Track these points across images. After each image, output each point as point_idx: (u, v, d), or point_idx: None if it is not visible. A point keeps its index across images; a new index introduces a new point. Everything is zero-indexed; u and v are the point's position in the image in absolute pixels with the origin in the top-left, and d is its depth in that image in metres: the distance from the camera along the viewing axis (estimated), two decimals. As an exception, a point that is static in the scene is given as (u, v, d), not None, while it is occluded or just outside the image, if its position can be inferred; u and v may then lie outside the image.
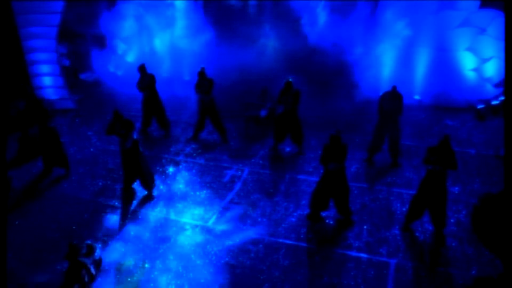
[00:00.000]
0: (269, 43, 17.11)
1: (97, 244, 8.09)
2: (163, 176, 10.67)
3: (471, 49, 13.45)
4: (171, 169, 10.98)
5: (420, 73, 13.99)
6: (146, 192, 9.97)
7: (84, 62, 16.53)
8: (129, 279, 7.76)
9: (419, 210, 8.57)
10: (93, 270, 7.65)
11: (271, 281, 7.68)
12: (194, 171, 10.90)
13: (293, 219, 9.18)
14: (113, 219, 9.29)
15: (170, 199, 9.88)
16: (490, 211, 8.07)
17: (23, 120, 11.52)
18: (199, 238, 8.71)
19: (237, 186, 10.29)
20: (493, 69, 13.40)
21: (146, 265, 8.05)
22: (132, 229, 8.98)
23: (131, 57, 16.78)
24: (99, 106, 14.27)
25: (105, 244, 8.51)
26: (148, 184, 9.87)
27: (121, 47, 16.94)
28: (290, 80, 10.84)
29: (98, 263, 7.89)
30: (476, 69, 13.55)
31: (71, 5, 13.72)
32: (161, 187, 10.27)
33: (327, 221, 9.12)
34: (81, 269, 7.46)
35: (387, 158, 10.89)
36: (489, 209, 8.09)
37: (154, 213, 9.44)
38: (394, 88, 10.29)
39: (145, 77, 11.95)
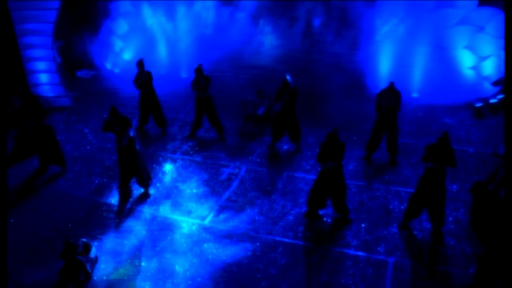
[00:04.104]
0: (267, 41, 17.07)
1: (93, 243, 8.03)
2: (160, 174, 10.61)
3: (469, 47, 13.43)
4: (167, 167, 10.92)
5: (418, 71, 13.96)
6: (142, 190, 9.91)
7: (81, 60, 16.45)
8: (125, 278, 7.71)
9: (417, 208, 8.53)
10: (89, 269, 7.60)
11: (268, 279, 7.63)
12: (191, 169, 10.84)
13: (291, 217, 9.14)
14: (109, 217, 9.23)
15: (167, 197, 9.82)
16: (485, 202, 8.13)
17: (19, 117, 11.43)
18: (195, 236, 8.66)
19: (234, 184, 10.24)
20: (491, 67, 13.38)
21: (143, 264, 8.00)
22: (128, 227, 8.92)
23: (128, 55, 16.72)
24: (95, 104, 14.19)
25: (101, 242, 8.45)
26: (145, 182, 9.81)
27: (118, 44, 16.88)
28: (287, 77, 10.78)
29: (94, 262, 7.84)
30: (474, 68, 13.54)
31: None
32: (158, 185, 10.21)
33: (324, 219, 9.08)
34: (77, 267, 7.41)
35: (385, 156, 10.86)
36: (482, 197, 8.16)
37: (151, 211, 9.38)
38: (391, 85, 10.24)
39: (142, 74, 11.88)
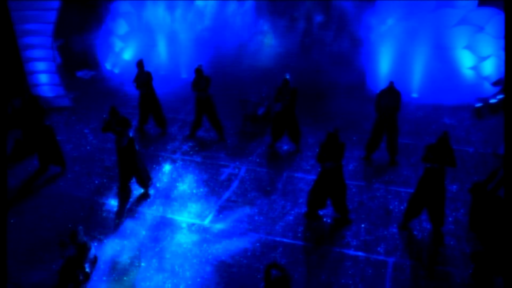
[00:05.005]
0: (266, 40, 17.05)
1: (92, 243, 8.04)
2: (160, 174, 10.61)
3: (469, 47, 13.41)
4: (167, 167, 10.91)
5: (418, 71, 13.95)
6: (142, 190, 9.91)
7: (81, 60, 16.45)
8: (124, 278, 7.70)
9: (417, 209, 8.52)
10: (88, 269, 7.61)
11: (268, 279, 7.62)
12: (190, 169, 10.84)
13: (291, 218, 9.13)
14: (109, 217, 9.24)
15: (167, 197, 9.82)
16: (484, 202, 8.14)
17: (19, 117, 11.44)
18: (195, 236, 8.66)
19: (234, 184, 10.24)
20: (491, 67, 13.37)
21: (142, 264, 8.00)
22: (128, 228, 8.92)
23: (128, 55, 16.72)
24: (95, 104, 14.19)
25: (100, 242, 8.46)
26: (145, 182, 9.80)
27: (118, 44, 16.88)
28: (287, 77, 10.78)
29: (93, 262, 7.84)
30: (474, 68, 13.53)
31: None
32: (158, 185, 10.21)
33: (324, 219, 9.07)
34: (76, 267, 7.41)
35: (385, 156, 10.85)
36: (481, 197, 8.17)
37: (150, 212, 9.39)
38: (391, 84, 10.22)
39: (142, 74, 11.88)
